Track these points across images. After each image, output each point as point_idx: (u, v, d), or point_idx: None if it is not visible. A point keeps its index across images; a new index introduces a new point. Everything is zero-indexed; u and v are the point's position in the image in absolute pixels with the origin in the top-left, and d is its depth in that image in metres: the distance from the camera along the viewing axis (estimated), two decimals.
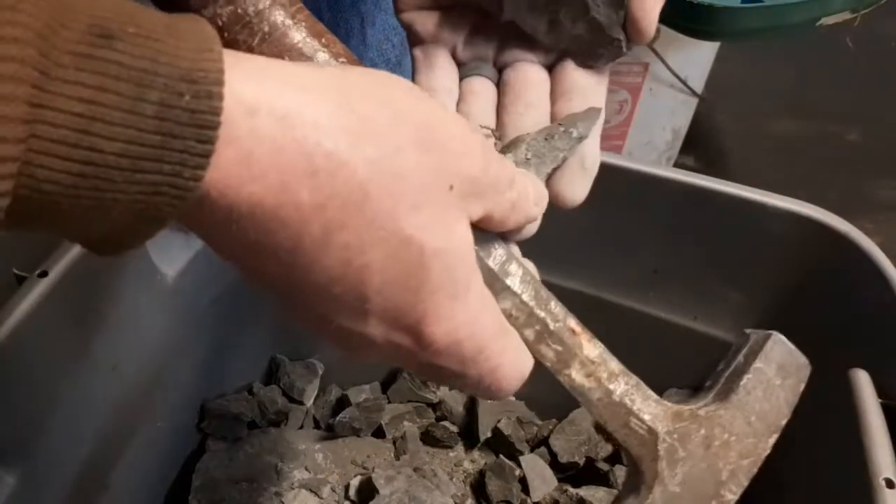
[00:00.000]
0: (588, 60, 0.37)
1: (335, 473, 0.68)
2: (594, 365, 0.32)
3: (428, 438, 0.72)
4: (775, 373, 0.34)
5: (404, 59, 0.70)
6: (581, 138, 0.35)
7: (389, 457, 0.70)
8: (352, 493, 0.66)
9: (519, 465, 0.68)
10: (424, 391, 0.73)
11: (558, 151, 0.34)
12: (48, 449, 0.47)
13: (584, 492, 0.64)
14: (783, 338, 0.35)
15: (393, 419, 0.72)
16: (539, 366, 0.31)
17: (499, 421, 0.70)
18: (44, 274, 0.47)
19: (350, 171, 0.23)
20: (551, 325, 0.31)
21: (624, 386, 0.32)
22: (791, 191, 0.57)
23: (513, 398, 0.73)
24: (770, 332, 0.35)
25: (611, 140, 1.26)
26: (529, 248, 0.33)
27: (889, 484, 0.42)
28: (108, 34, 0.19)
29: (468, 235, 0.27)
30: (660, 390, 0.31)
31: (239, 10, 0.30)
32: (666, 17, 0.37)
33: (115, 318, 0.52)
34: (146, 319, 0.56)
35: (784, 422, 0.34)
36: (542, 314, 0.31)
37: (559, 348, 0.31)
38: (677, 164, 1.26)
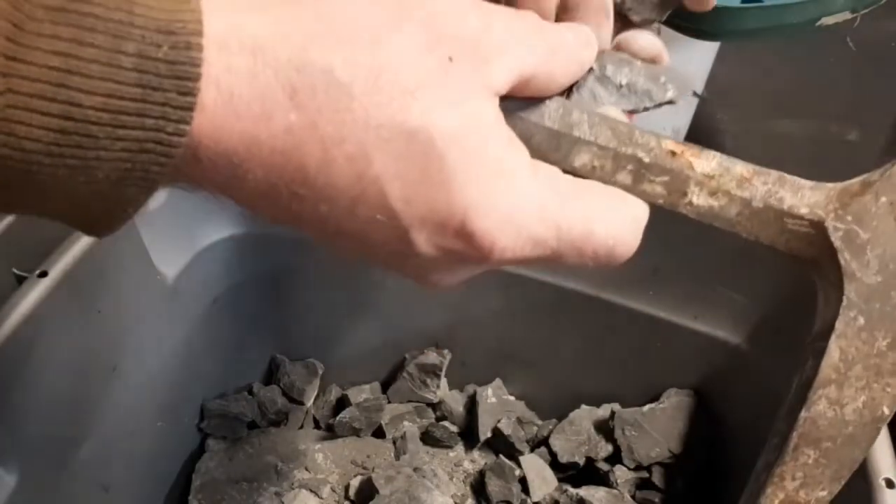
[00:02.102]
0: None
1: (335, 473, 0.68)
2: (714, 179, 0.26)
3: (428, 438, 0.72)
4: None
5: None
6: (672, 101, 0.31)
7: (389, 457, 0.70)
8: (352, 493, 0.66)
9: (519, 465, 0.68)
10: (424, 391, 0.73)
11: (647, 99, 0.30)
12: (48, 449, 0.47)
13: (584, 492, 0.64)
14: None
15: (393, 419, 0.72)
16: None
17: (499, 421, 0.70)
18: (44, 274, 0.47)
19: (326, 78, 0.21)
20: (645, 158, 0.26)
21: (762, 187, 0.27)
22: None
23: (512, 398, 0.73)
24: None
25: None
26: None
27: (889, 484, 0.42)
28: None
29: (487, 109, 0.23)
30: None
31: None
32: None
33: (115, 318, 0.53)
34: (146, 319, 0.56)
35: None
36: (630, 150, 0.26)
37: (666, 178, 0.26)
38: None
